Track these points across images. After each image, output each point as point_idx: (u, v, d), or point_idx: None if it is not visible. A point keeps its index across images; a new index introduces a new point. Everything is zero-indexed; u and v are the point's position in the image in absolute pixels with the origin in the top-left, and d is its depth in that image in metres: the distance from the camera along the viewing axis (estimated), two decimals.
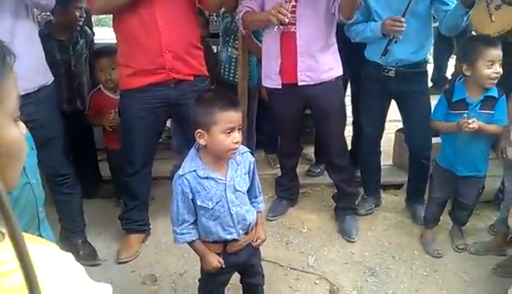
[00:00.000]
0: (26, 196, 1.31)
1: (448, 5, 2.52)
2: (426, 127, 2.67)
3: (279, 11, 2.32)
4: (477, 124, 2.30)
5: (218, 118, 1.57)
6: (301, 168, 3.30)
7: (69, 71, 2.93)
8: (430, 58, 2.96)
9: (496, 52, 2.29)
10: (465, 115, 2.33)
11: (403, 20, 2.44)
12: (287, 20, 2.33)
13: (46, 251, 0.61)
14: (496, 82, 2.33)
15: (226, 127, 1.58)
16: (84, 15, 2.99)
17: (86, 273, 0.63)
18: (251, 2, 2.60)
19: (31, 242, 0.60)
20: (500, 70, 2.30)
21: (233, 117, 1.59)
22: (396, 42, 2.51)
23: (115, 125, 2.81)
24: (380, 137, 3.08)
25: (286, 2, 2.35)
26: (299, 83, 2.57)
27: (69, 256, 0.63)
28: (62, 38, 2.89)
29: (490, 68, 2.30)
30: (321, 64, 2.58)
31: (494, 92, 2.36)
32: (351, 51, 2.80)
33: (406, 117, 2.90)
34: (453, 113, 2.45)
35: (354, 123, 3.41)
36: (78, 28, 3.00)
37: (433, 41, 2.77)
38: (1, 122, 0.57)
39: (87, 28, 3.22)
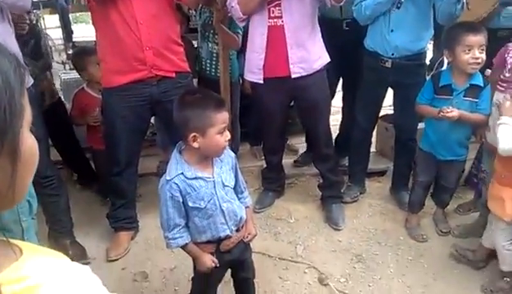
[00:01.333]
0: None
1: None
2: (415, 112, 2.69)
3: None
4: (457, 113, 2.36)
5: (214, 120, 1.58)
6: (286, 159, 3.32)
7: None
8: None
9: (475, 38, 2.31)
10: (450, 102, 2.39)
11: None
12: None
13: (62, 265, 0.61)
14: (477, 67, 2.35)
15: (222, 128, 1.60)
16: (33, 19, 2.94)
17: (102, 285, 0.64)
18: None
19: (45, 255, 0.61)
20: (481, 56, 2.31)
21: (226, 116, 1.62)
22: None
23: (99, 122, 2.82)
24: (374, 127, 3.14)
25: None
26: (293, 75, 2.57)
27: (86, 269, 0.63)
28: None
29: (467, 53, 2.33)
30: (311, 54, 2.58)
31: (479, 81, 2.40)
32: (343, 41, 2.81)
33: (397, 103, 2.93)
34: (438, 98, 2.50)
35: (344, 111, 3.45)
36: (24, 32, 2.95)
37: (432, 32, 2.76)
38: (23, 131, 0.58)
39: (38, 28, 3.18)
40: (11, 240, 0.60)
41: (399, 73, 2.71)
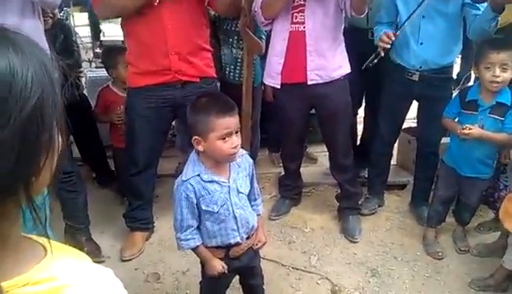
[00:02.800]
0: (40, 201, 1.32)
1: (479, 9, 2.44)
2: (439, 125, 2.64)
3: None
4: (476, 131, 2.32)
5: (214, 125, 1.56)
6: (304, 167, 3.30)
7: None
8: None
9: (496, 56, 2.25)
10: (475, 118, 2.35)
11: (393, 38, 2.43)
12: None
13: (87, 268, 0.62)
14: (497, 86, 2.30)
15: (223, 133, 1.57)
16: (56, 12, 2.98)
17: (124, 289, 0.65)
18: None
19: (70, 256, 0.63)
20: (502, 75, 2.26)
21: (229, 122, 1.58)
22: (379, 57, 2.51)
23: (123, 119, 2.85)
24: (395, 140, 3.09)
25: None
26: (309, 82, 2.56)
27: (110, 272, 0.64)
28: None
29: (489, 71, 2.29)
30: (331, 63, 2.57)
31: (506, 99, 2.35)
32: (369, 50, 2.80)
33: (422, 116, 2.89)
34: (464, 112, 2.46)
35: (365, 122, 3.41)
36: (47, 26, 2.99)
37: (461, 47, 2.71)
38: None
39: (68, 24, 3.24)
40: (35, 237, 0.61)
41: (426, 87, 2.67)
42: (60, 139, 0.60)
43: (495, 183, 2.79)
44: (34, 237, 0.62)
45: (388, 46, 2.44)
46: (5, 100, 0.50)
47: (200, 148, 1.61)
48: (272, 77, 2.67)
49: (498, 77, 2.27)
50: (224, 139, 1.58)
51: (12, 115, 0.50)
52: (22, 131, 0.51)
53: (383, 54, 2.48)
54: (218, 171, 1.67)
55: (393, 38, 2.43)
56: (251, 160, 1.81)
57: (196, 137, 1.59)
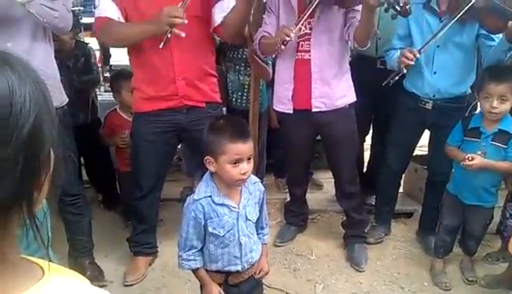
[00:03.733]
0: (39, 215, 1.32)
1: (494, 40, 2.45)
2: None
3: (282, 31, 2.34)
4: (479, 161, 2.32)
5: (225, 149, 1.56)
6: (310, 193, 3.28)
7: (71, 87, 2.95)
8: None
9: (495, 87, 2.27)
10: (478, 146, 2.35)
11: (417, 55, 2.39)
12: (288, 39, 2.30)
13: (84, 289, 0.63)
14: (495, 117, 2.32)
15: (233, 159, 1.57)
16: (75, 34, 3.05)
17: None
18: (267, 26, 2.62)
19: (67, 277, 0.63)
20: (500, 106, 2.28)
21: (241, 148, 1.57)
22: (401, 75, 2.49)
23: (127, 144, 2.88)
24: (404, 170, 3.07)
25: (295, 25, 2.37)
26: (313, 109, 2.57)
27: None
28: (62, 57, 2.90)
29: (488, 101, 2.31)
30: (335, 91, 2.58)
31: (509, 127, 2.35)
32: (377, 79, 2.82)
33: (434, 145, 2.86)
34: (467, 140, 2.46)
35: (373, 149, 3.41)
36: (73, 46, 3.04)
37: (474, 77, 2.70)
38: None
39: (84, 44, 3.30)
40: (33, 259, 0.62)
41: (439, 115, 2.65)
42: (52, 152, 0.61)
43: (502, 212, 2.76)
44: (33, 258, 0.62)
45: (412, 63, 2.40)
46: (6, 119, 0.52)
47: (212, 168, 1.61)
48: (283, 104, 2.67)
49: (495, 108, 2.29)
50: (234, 163, 1.58)
51: (14, 133, 0.52)
52: (24, 148, 0.53)
53: (405, 71, 2.45)
54: (230, 194, 1.67)
55: (418, 55, 2.40)
56: (263, 188, 1.81)
57: (208, 157, 1.60)
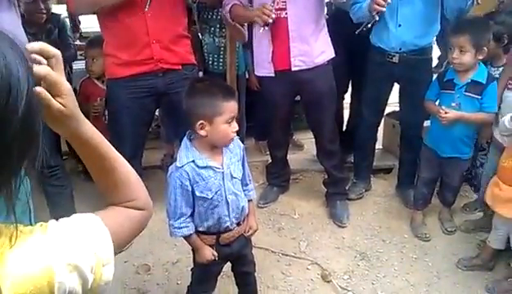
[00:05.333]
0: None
1: None
2: (421, 108, 2.66)
3: (263, 12, 2.34)
4: (453, 114, 2.38)
5: (223, 109, 1.57)
6: (291, 154, 3.30)
7: None
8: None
9: (454, 39, 2.35)
10: (452, 97, 2.40)
11: (389, 0, 2.37)
12: (271, 21, 2.34)
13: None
14: (457, 67, 2.39)
15: (229, 117, 1.59)
16: (49, 6, 2.93)
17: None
18: None
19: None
20: (460, 56, 2.34)
21: (234, 106, 1.61)
22: (373, 23, 2.49)
23: (100, 112, 2.87)
24: (379, 123, 3.11)
25: (272, 1, 2.36)
26: (293, 69, 2.55)
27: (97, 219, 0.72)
28: (33, 31, 2.81)
29: (451, 52, 2.38)
30: (314, 48, 2.56)
31: (481, 77, 2.39)
32: (355, 35, 2.80)
33: (404, 99, 2.90)
34: (443, 92, 2.51)
35: (352, 106, 3.42)
36: (45, 18, 2.92)
37: (439, 27, 2.72)
38: None
39: (57, 15, 3.18)
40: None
41: (406, 68, 2.68)
42: None
43: (472, 161, 2.84)
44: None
45: (384, 9, 2.38)
46: (7, 94, 0.53)
47: (203, 132, 1.59)
48: (264, 67, 2.65)
49: (456, 58, 2.35)
50: (229, 123, 1.59)
51: (19, 107, 0.54)
52: (25, 120, 0.55)
53: (377, 18, 2.43)
54: (213, 156, 1.67)
55: (390, 1, 2.38)
56: (242, 145, 1.81)
57: (202, 122, 1.58)
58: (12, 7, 2.07)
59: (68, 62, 3.00)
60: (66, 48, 2.98)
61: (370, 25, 2.50)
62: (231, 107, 1.59)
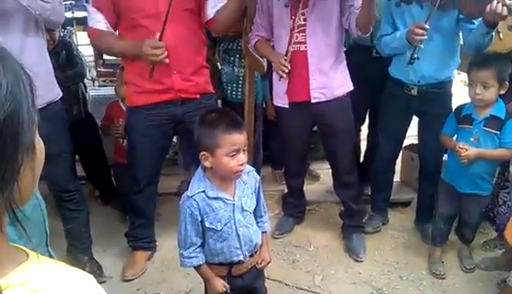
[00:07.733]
0: (36, 213, 1.31)
1: (474, 24, 2.46)
2: (439, 142, 2.62)
3: (278, 67, 2.48)
4: (473, 152, 2.33)
5: (222, 141, 1.55)
6: (307, 185, 3.28)
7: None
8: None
9: (476, 74, 2.32)
10: (470, 132, 2.37)
11: (427, 26, 2.33)
12: (285, 76, 2.48)
13: (64, 272, 0.62)
14: (479, 103, 2.36)
15: (231, 150, 1.56)
16: (55, 37, 3.00)
17: None
18: (260, 29, 2.65)
19: (48, 262, 0.62)
20: (482, 92, 2.30)
21: (237, 139, 1.57)
22: (418, 49, 2.40)
23: (120, 133, 2.93)
24: (397, 156, 3.08)
25: (286, 54, 2.47)
26: (312, 100, 2.56)
27: (90, 278, 0.63)
28: None
29: (472, 87, 2.35)
30: (333, 81, 2.58)
31: (500, 113, 2.35)
32: (373, 68, 2.80)
33: (422, 133, 2.87)
34: (460, 127, 2.47)
35: (369, 139, 3.41)
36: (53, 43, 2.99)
37: (459, 60, 2.71)
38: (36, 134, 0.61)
39: (69, 40, 3.28)
40: (22, 247, 0.61)
41: (425, 101, 2.66)
42: (40, 146, 0.62)
43: (494, 199, 2.78)
44: (21, 246, 0.61)
45: (425, 37, 2.34)
46: None
47: (208, 164, 1.59)
48: (280, 98, 2.68)
49: (478, 94, 2.32)
50: (231, 155, 1.57)
51: None
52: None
53: (422, 45, 2.36)
54: (224, 187, 1.66)
55: (428, 27, 2.33)
56: (258, 177, 1.79)
57: (204, 153, 1.58)
58: (39, 31, 2.15)
59: (75, 79, 3.08)
60: (73, 67, 3.05)
61: (416, 56, 2.39)
62: (232, 139, 1.56)
